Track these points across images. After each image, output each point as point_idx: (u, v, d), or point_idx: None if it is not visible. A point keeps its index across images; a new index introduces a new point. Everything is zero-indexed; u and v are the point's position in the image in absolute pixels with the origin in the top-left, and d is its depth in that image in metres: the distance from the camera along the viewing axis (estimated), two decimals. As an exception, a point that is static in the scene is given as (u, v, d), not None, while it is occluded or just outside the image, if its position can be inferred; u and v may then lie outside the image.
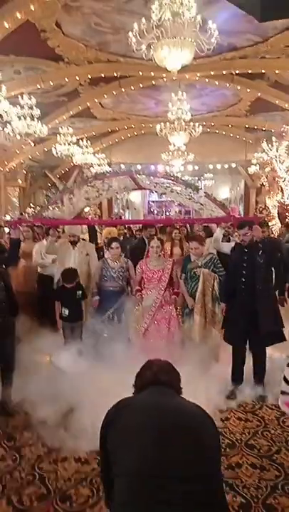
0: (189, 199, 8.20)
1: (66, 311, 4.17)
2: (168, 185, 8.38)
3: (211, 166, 17.85)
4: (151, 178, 8.64)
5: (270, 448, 2.65)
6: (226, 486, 1.87)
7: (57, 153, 12.42)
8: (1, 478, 2.47)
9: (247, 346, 3.71)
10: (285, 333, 3.57)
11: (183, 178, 8.78)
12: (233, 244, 4.33)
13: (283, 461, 2.49)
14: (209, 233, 5.85)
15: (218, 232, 4.76)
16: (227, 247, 4.34)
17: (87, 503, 2.25)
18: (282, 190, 12.34)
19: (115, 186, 8.46)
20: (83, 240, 5.54)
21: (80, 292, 4.28)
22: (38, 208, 8.07)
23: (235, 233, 5.36)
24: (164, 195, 9.37)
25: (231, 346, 3.76)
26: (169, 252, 5.43)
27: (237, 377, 3.67)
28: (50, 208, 7.94)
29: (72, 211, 8.30)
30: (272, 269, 4.07)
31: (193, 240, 4.25)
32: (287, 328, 3.77)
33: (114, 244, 4.34)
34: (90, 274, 4.83)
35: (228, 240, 5.03)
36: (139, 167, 11.21)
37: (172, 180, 8.42)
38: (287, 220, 10.81)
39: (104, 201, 17.88)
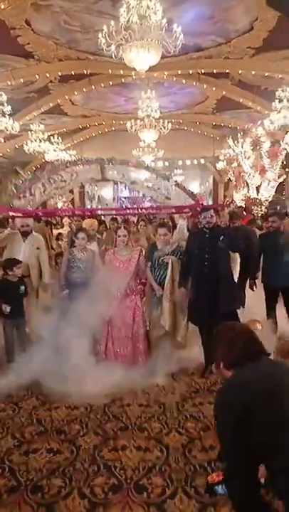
0: (158, 189, 8.52)
1: (8, 308, 3.89)
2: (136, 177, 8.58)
3: (180, 162, 18.27)
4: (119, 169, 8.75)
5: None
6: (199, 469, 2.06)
7: (28, 150, 12.39)
8: None
9: None
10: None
11: (154, 168, 8.90)
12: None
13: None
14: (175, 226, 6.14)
15: (182, 223, 4.94)
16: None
17: (59, 494, 2.25)
18: (247, 185, 12.91)
19: (81, 176, 8.61)
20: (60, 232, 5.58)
21: (23, 288, 4.10)
22: (8, 196, 7.71)
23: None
24: (133, 189, 9.60)
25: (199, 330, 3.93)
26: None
27: (208, 357, 3.77)
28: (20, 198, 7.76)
29: (38, 202, 8.36)
30: (238, 254, 4.35)
31: (163, 226, 4.22)
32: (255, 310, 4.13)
33: (80, 235, 4.26)
34: (39, 268, 4.75)
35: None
36: (111, 171, 11.43)
37: (143, 169, 8.56)
38: (253, 212, 11.36)
39: (76, 197, 17.97)
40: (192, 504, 2.16)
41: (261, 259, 4.67)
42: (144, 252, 4.29)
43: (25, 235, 4.82)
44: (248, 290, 4.88)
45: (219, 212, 4.06)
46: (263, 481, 1.55)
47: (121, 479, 2.39)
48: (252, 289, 4.77)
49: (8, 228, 5.08)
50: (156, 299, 4.03)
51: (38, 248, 4.82)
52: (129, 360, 3.91)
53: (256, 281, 4.77)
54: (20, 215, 6.46)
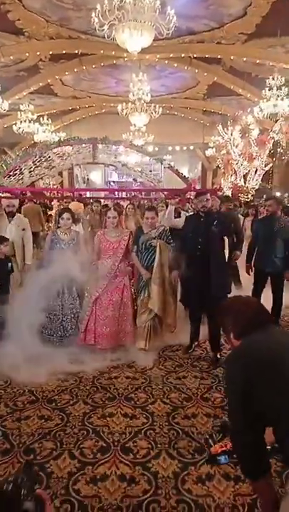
0: (150, 172, 8.53)
1: None
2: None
3: (170, 148, 18.24)
4: (111, 150, 8.66)
5: (223, 399, 2.99)
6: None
7: (17, 131, 12.20)
8: None
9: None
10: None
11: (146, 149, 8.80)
12: (183, 218, 4.52)
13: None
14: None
15: (170, 208, 4.95)
16: (180, 222, 4.58)
17: (51, 455, 2.40)
18: (235, 172, 13.03)
19: (72, 156, 8.52)
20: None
21: (10, 265, 4.16)
22: None
23: (187, 205, 5.68)
24: (124, 172, 9.54)
25: (189, 310, 4.11)
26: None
27: (194, 335, 3.99)
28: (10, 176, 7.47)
29: (27, 182, 8.24)
30: (226, 238, 4.35)
31: (151, 209, 4.22)
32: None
33: (65, 215, 4.20)
34: (24, 248, 4.81)
35: (179, 216, 5.14)
36: (100, 146, 11.34)
37: (136, 150, 8.48)
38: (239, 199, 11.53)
39: (65, 180, 17.80)
40: (174, 464, 2.34)
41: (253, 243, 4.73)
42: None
43: (10, 215, 4.83)
44: (242, 275, 5.05)
45: (211, 196, 4.07)
46: (269, 448, 1.66)
47: (109, 442, 2.55)
48: (248, 274, 4.84)
49: None
50: (144, 283, 4.03)
51: (23, 229, 4.86)
52: (111, 341, 3.90)
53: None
54: (8, 194, 6.45)
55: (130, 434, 2.64)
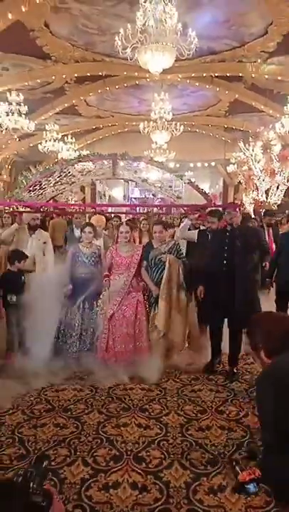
0: (170, 187, 8.60)
1: (14, 298, 3.98)
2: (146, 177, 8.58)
3: (191, 164, 18.40)
4: (132, 166, 8.77)
5: (238, 413, 3.01)
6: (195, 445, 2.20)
7: (43, 149, 12.69)
8: None
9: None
10: None
11: (168, 158, 8.83)
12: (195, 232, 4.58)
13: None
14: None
15: (186, 222, 4.96)
16: (194, 235, 4.64)
17: (65, 462, 2.43)
18: (257, 188, 13.00)
19: (92, 172, 8.67)
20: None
21: (23, 278, 4.20)
22: (18, 189, 7.53)
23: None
24: (144, 188, 9.56)
25: (208, 328, 3.97)
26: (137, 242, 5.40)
27: (215, 352, 3.86)
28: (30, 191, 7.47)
29: (48, 196, 8.38)
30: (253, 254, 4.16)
31: (159, 223, 4.14)
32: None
33: (87, 229, 4.21)
34: (46, 262, 4.82)
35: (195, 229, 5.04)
36: (122, 164, 11.61)
37: (156, 166, 8.50)
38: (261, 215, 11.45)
39: (87, 196, 18.24)
40: (186, 474, 2.33)
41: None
42: None
43: (33, 229, 4.93)
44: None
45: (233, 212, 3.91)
46: None
47: (122, 451, 2.57)
48: (268, 289, 4.73)
49: (15, 224, 5.10)
50: (154, 299, 3.93)
51: (44, 243, 4.94)
52: (129, 358, 3.79)
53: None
54: (28, 208, 6.59)
55: (143, 443, 2.65)
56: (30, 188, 7.44)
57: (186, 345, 4.00)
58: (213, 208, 5.61)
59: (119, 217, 7.51)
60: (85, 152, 14.71)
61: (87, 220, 6.02)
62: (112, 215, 7.94)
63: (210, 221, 4.32)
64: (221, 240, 3.77)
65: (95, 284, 4.07)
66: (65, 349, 3.98)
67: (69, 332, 4.01)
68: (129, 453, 2.54)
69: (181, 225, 5.14)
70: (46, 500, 1.09)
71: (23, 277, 4.22)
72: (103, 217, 6.71)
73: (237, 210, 4.74)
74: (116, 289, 3.94)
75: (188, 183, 8.01)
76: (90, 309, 4.04)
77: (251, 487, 1.90)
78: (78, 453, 2.55)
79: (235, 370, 3.75)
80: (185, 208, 7.61)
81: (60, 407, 3.18)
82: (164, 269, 3.86)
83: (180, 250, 4.07)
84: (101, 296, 4.02)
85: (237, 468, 2.08)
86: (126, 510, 2.05)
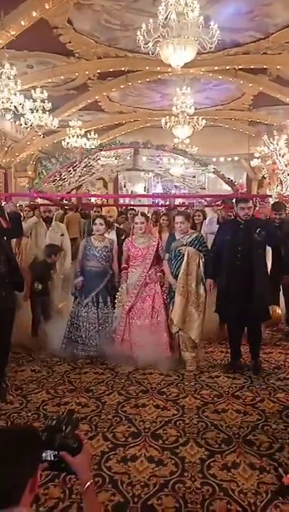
0: (193, 177, 8.36)
1: (40, 286, 4.18)
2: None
3: (214, 159, 18.22)
4: (154, 156, 8.58)
5: (254, 398, 3.06)
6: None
7: (66, 145, 12.93)
8: (9, 416, 2.88)
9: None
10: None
11: (190, 153, 8.49)
12: None
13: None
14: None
15: (212, 215, 4.81)
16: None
17: (85, 436, 2.37)
18: (281, 183, 12.78)
19: (112, 162, 8.57)
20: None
21: (53, 270, 4.43)
22: (36, 181, 7.27)
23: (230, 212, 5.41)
24: (167, 178, 9.16)
25: (227, 326, 3.92)
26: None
27: (235, 354, 3.71)
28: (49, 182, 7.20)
29: (68, 188, 8.25)
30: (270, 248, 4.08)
31: (180, 214, 3.96)
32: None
33: (98, 221, 4.13)
34: (64, 254, 4.88)
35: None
36: (144, 159, 11.66)
37: (179, 154, 8.02)
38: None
39: (110, 192, 18.40)
40: (201, 451, 2.42)
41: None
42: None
43: (48, 221, 5.02)
44: None
45: (261, 203, 3.88)
46: None
47: (140, 428, 2.68)
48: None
49: (34, 217, 5.19)
50: (173, 293, 3.78)
51: (62, 235, 5.03)
52: (147, 351, 3.68)
53: None
54: (47, 200, 6.50)
55: (161, 423, 2.76)
56: (50, 179, 7.17)
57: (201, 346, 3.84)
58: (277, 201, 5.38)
59: (134, 209, 7.24)
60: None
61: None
62: (129, 207, 7.85)
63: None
64: (233, 233, 3.58)
65: (108, 278, 4.06)
66: (80, 342, 3.92)
67: (84, 325, 3.93)
68: (146, 430, 2.66)
69: (207, 218, 4.90)
70: (77, 442, 1.19)
71: (52, 271, 4.40)
72: (114, 208, 6.65)
73: (263, 202, 4.61)
74: (133, 281, 3.91)
75: (213, 171, 7.69)
76: (104, 304, 4.00)
77: None
78: (98, 429, 2.69)
79: (258, 364, 3.64)
80: (208, 199, 7.41)
81: (82, 388, 3.33)
82: (182, 261, 3.73)
83: (203, 242, 3.89)
84: (119, 289, 4.01)
85: (280, 470, 2.14)
86: (143, 481, 2.16)
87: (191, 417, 2.83)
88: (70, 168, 7.56)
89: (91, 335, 3.90)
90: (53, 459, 1.16)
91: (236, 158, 18.27)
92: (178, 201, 8.85)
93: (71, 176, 7.94)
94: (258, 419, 2.80)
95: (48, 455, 1.16)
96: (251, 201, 3.65)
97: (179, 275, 3.69)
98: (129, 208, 7.63)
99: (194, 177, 8.71)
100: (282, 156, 12.78)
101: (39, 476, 1.07)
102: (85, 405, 3.03)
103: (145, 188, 20.19)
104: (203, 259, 3.76)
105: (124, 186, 19.61)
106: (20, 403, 3.09)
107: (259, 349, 3.75)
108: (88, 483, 1.20)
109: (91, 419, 2.81)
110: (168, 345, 3.77)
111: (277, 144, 12.68)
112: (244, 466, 2.26)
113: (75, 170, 7.84)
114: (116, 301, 4.02)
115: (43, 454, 1.14)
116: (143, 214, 4.20)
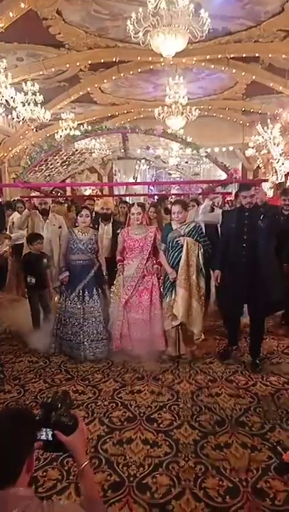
0: (186, 162, 8.15)
1: (33, 280, 4.13)
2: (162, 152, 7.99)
3: (208, 150, 18.18)
4: (145, 147, 8.39)
5: (247, 382, 3.14)
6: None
7: (59, 139, 12.84)
8: (8, 405, 2.91)
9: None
10: None
11: (182, 137, 8.04)
12: (219, 212, 4.31)
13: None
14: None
15: (206, 203, 4.63)
16: (214, 217, 4.44)
17: (83, 421, 2.77)
18: (276, 172, 12.81)
19: (102, 149, 8.34)
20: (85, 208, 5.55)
21: (46, 261, 4.29)
22: (21, 171, 6.84)
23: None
24: (158, 166, 8.86)
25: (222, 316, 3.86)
26: None
27: (232, 341, 3.69)
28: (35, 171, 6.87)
29: (58, 179, 8.05)
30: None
31: (177, 203, 3.80)
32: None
33: (84, 212, 3.99)
34: (61, 247, 4.56)
35: (212, 211, 4.76)
36: (138, 151, 11.62)
37: (170, 139, 7.57)
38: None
39: (105, 186, 18.35)
40: (195, 433, 2.50)
41: None
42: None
43: (45, 213, 4.97)
44: None
45: (256, 189, 3.41)
46: None
47: (135, 413, 2.76)
48: (287, 273, 4.20)
49: (26, 210, 5.14)
50: (170, 284, 3.66)
51: (59, 227, 4.96)
52: (146, 345, 3.61)
53: None
54: (35, 191, 6.41)
55: (156, 407, 2.83)
56: (36, 168, 6.77)
57: (202, 336, 3.70)
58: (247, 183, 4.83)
59: (126, 203, 7.14)
60: (101, 140, 14.86)
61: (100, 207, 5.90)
62: (119, 200, 7.69)
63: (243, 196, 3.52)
64: (238, 221, 3.41)
65: (94, 271, 3.95)
66: (66, 339, 3.84)
67: (70, 321, 3.84)
68: (142, 415, 2.73)
69: (201, 207, 4.74)
70: (73, 420, 1.22)
71: (44, 260, 4.31)
72: (110, 199, 6.49)
73: (258, 187, 4.47)
74: (130, 273, 3.79)
75: (205, 156, 7.43)
76: (89, 297, 3.88)
77: None
78: (95, 414, 2.76)
79: (257, 361, 3.48)
80: (204, 186, 7.17)
81: (78, 377, 3.40)
82: (180, 252, 3.61)
83: (201, 232, 3.77)
84: (114, 282, 3.92)
85: (279, 448, 2.20)
86: (138, 461, 2.24)
87: (186, 401, 2.90)
88: (57, 157, 7.18)
89: (75, 331, 3.79)
90: (50, 438, 1.18)
91: (231, 149, 18.24)
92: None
93: (58, 164, 7.63)
94: (250, 402, 2.87)
95: (44, 434, 1.18)
96: (253, 188, 3.42)
97: (180, 266, 3.57)
98: (120, 201, 7.43)
99: (187, 162, 8.46)
100: (277, 145, 12.80)
101: (34, 457, 1.09)
102: (82, 392, 3.10)
103: (135, 178, 20.11)
104: (202, 250, 3.65)
105: (115, 175, 19.54)
106: (18, 392, 3.15)
107: (261, 344, 3.57)
108: (85, 463, 1.22)
109: (88, 406, 2.87)
110: (163, 338, 3.70)
111: (271, 133, 12.68)
112: (236, 445, 2.34)
113: (62, 159, 7.53)
114: (111, 294, 3.94)
115: (40, 433, 1.16)
116: (140, 204, 4.09)
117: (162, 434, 2.49)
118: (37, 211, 5.07)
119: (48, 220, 5.00)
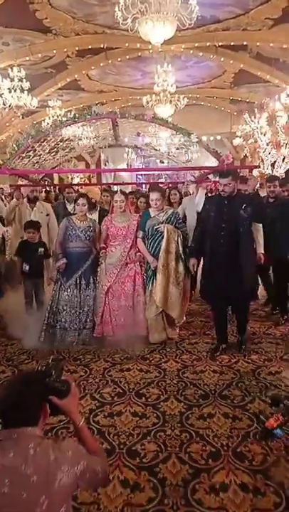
0: (177, 149, 8.13)
1: (27, 267, 4.09)
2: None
3: (196, 139, 18.25)
4: (136, 133, 8.33)
5: (230, 359, 3.28)
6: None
7: (46, 126, 12.72)
8: (2, 385, 2.96)
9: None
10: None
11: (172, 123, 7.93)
12: None
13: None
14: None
15: (201, 193, 4.54)
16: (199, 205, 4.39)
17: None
18: (262, 161, 12.96)
19: (89, 137, 8.25)
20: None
21: (42, 250, 4.23)
22: (8, 157, 6.65)
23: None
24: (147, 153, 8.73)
25: (211, 309, 3.83)
26: None
27: (221, 337, 3.59)
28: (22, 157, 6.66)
29: (46, 167, 7.96)
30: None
31: (155, 190, 3.79)
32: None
33: (80, 201, 3.97)
34: (49, 235, 4.77)
35: None
36: (126, 140, 11.60)
37: (160, 124, 7.55)
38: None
39: (93, 174, 18.28)
40: (181, 406, 2.68)
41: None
42: None
43: (33, 201, 4.94)
44: None
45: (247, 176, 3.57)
46: None
47: (125, 389, 2.92)
48: (260, 262, 4.07)
49: (14, 200, 5.08)
50: (152, 272, 3.69)
51: (47, 215, 4.94)
52: (128, 332, 3.64)
53: None
54: (23, 178, 6.30)
55: (144, 384, 3.00)
56: (23, 155, 6.60)
57: (184, 319, 3.82)
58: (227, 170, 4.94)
59: (109, 191, 6.99)
60: (89, 128, 14.77)
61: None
62: (103, 188, 7.47)
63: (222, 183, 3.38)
64: (217, 208, 3.35)
65: (91, 259, 3.95)
66: (61, 327, 3.80)
67: (65, 309, 3.82)
68: (131, 390, 2.89)
69: (197, 197, 4.65)
70: (66, 385, 1.33)
71: (41, 248, 4.25)
72: (96, 188, 6.49)
73: (250, 174, 4.41)
74: (113, 261, 3.82)
75: (196, 141, 7.43)
76: (86, 285, 3.88)
77: (279, 432, 2.19)
78: (87, 391, 2.91)
79: (243, 339, 3.57)
80: (196, 174, 7.18)
81: (70, 358, 3.54)
82: (161, 239, 3.63)
83: (179, 220, 3.82)
84: (98, 270, 3.90)
85: (262, 417, 2.36)
86: (128, 431, 2.40)
87: (172, 378, 3.07)
88: (45, 143, 7.02)
89: (72, 319, 3.80)
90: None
91: (219, 138, 18.32)
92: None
93: (46, 151, 7.55)
94: (233, 378, 3.06)
95: None
96: (231, 177, 3.30)
97: (160, 253, 3.60)
98: (103, 189, 7.27)
99: (178, 149, 8.37)
100: (264, 135, 12.93)
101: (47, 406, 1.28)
102: (74, 371, 3.25)
103: (128, 165, 20.06)
104: (181, 237, 3.68)
105: (105, 165, 19.48)
106: (12, 372, 3.28)
107: (246, 324, 3.69)
108: (81, 421, 1.37)
109: (79, 383, 3.02)
110: (145, 324, 3.74)
111: (258, 122, 12.79)
112: (219, 416, 2.52)
113: (50, 145, 7.43)
114: (97, 281, 3.93)
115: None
116: (123, 192, 4.09)
117: (150, 407, 2.65)
118: (24, 200, 5.03)
119: (35, 208, 4.98)
